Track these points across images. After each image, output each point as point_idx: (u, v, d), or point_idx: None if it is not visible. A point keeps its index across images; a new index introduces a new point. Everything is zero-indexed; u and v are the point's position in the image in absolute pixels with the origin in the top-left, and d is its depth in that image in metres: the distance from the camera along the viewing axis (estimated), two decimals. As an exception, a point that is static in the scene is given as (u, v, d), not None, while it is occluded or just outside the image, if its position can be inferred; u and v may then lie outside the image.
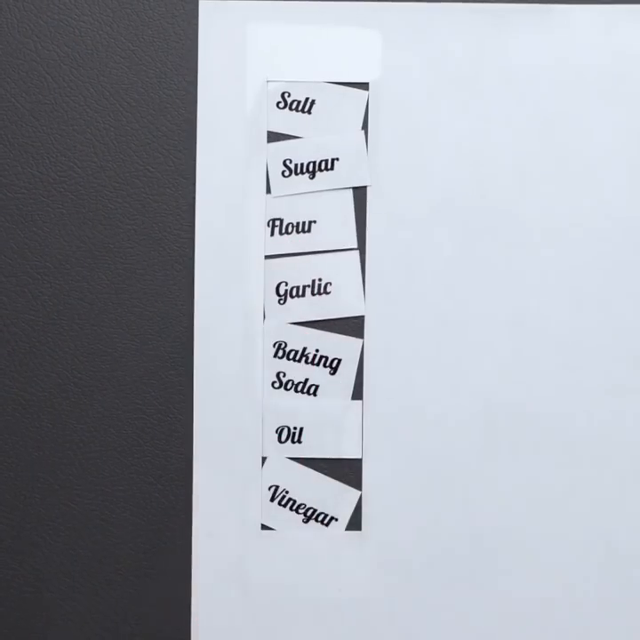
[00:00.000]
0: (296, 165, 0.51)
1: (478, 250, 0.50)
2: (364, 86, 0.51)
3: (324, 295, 0.51)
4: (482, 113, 0.50)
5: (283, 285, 0.51)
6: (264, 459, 0.51)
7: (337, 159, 0.51)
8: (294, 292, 0.51)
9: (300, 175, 0.51)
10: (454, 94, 0.50)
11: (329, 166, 0.51)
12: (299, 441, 0.51)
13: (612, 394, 0.50)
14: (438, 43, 0.50)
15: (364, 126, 0.51)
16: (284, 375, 0.51)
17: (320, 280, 0.51)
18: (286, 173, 0.51)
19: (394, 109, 0.50)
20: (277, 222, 0.51)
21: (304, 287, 0.51)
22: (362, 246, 0.51)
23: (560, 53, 0.50)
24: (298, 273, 0.51)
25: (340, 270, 0.51)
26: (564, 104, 0.50)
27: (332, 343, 0.51)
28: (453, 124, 0.50)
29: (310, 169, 0.51)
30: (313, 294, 0.51)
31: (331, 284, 0.51)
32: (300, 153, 0.51)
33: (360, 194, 0.51)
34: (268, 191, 0.51)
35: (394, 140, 0.50)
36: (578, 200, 0.50)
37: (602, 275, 0.50)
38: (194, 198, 0.50)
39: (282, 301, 0.51)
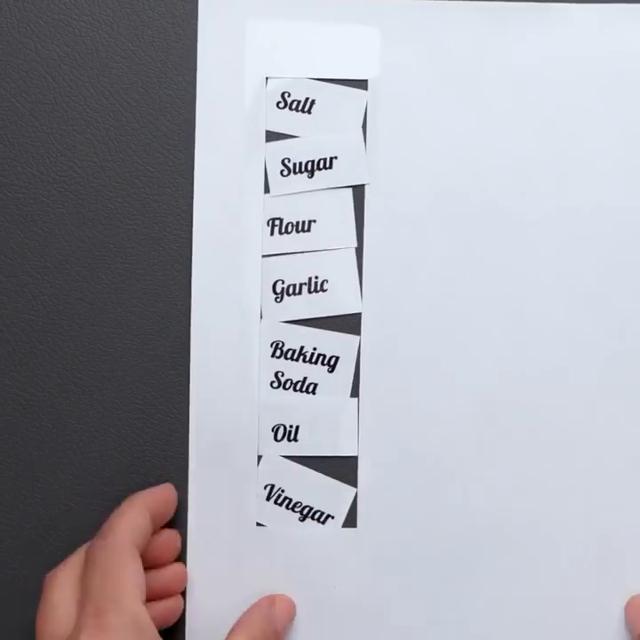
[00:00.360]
0: (294, 164, 0.51)
1: (477, 247, 0.50)
2: (363, 84, 0.50)
3: (320, 293, 0.51)
4: (481, 111, 0.50)
5: (279, 283, 0.51)
6: (260, 457, 0.51)
7: (335, 157, 0.51)
8: (291, 290, 0.51)
9: (298, 174, 0.51)
10: (453, 92, 0.50)
11: (327, 165, 0.51)
12: (295, 439, 0.51)
13: (609, 392, 0.50)
14: (438, 40, 0.50)
15: (364, 125, 0.51)
16: (283, 374, 0.51)
17: (317, 278, 0.51)
18: (285, 172, 0.51)
19: (393, 107, 0.50)
20: (277, 222, 0.51)
21: (301, 285, 0.51)
22: (359, 244, 0.51)
23: (559, 51, 0.50)
24: (294, 271, 0.51)
25: (337, 268, 0.51)
26: (563, 102, 0.50)
27: (329, 341, 0.51)
28: (452, 122, 0.50)
29: (309, 168, 0.51)
30: (309, 292, 0.51)
31: (327, 281, 0.51)
32: (299, 152, 0.51)
33: (358, 192, 0.51)
34: (267, 190, 0.51)
35: (392, 138, 0.50)
36: (577, 198, 0.50)
37: (601, 272, 0.50)
38: (193, 198, 0.50)
39: (278, 299, 0.51)
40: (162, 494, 0.49)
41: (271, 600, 0.50)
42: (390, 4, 0.50)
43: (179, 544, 0.50)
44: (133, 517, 0.46)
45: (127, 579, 0.44)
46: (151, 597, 0.49)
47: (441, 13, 0.50)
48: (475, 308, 0.50)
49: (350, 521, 0.51)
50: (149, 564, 0.49)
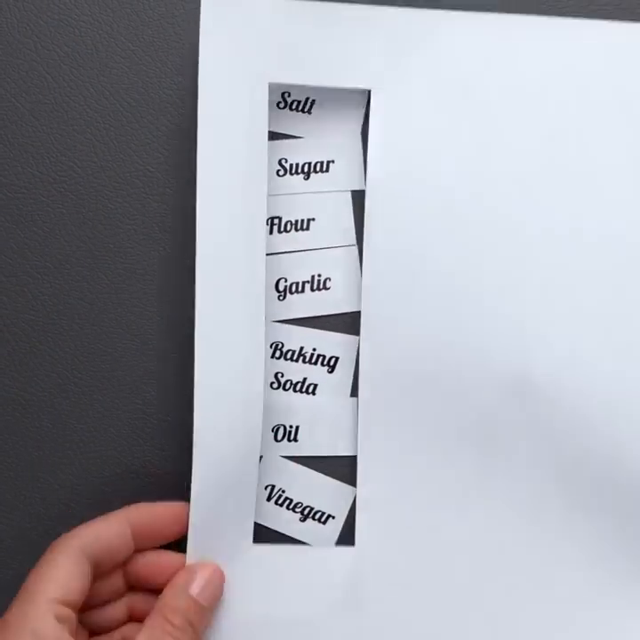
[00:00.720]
0: (291, 165, 0.51)
1: (479, 256, 0.49)
2: (365, 93, 0.50)
3: (323, 291, 0.51)
4: (485, 122, 0.49)
5: (282, 281, 0.51)
6: (260, 458, 0.51)
7: (333, 161, 0.51)
8: (294, 288, 0.51)
9: (294, 175, 0.51)
10: (457, 103, 0.49)
11: (324, 168, 0.51)
12: (295, 439, 0.51)
13: (613, 411, 0.49)
14: (443, 50, 0.49)
15: (364, 127, 0.51)
16: (282, 375, 0.51)
17: (320, 276, 0.51)
18: (281, 173, 0.51)
19: (395, 116, 0.49)
20: (276, 220, 0.51)
21: (303, 283, 0.51)
22: (360, 246, 0.50)
23: (566, 66, 0.49)
24: (297, 269, 0.51)
25: (339, 266, 0.51)
26: (569, 116, 0.49)
27: (328, 342, 0.51)
28: (455, 134, 0.49)
29: (305, 170, 0.51)
30: (312, 290, 0.51)
31: (330, 279, 0.51)
32: (296, 153, 0.51)
33: (357, 192, 0.51)
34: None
35: (395, 147, 0.49)
36: (582, 211, 0.49)
37: (603, 288, 0.49)
38: (194, 198, 0.50)
39: (281, 297, 0.51)
40: (160, 511, 0.48)
41: (191, 572, 0.47)
42: (396, 12, 0.49)
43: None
44: (100, 527, 0.46)
45: (52, 584, 0.43)
46: (139, 618, 0.48)
47: (447, 23, 0.49)
48: (476, 314, 0.49)
49: (350, 522, 0.51)
50: (149, 584, 0.48)
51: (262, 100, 0.49)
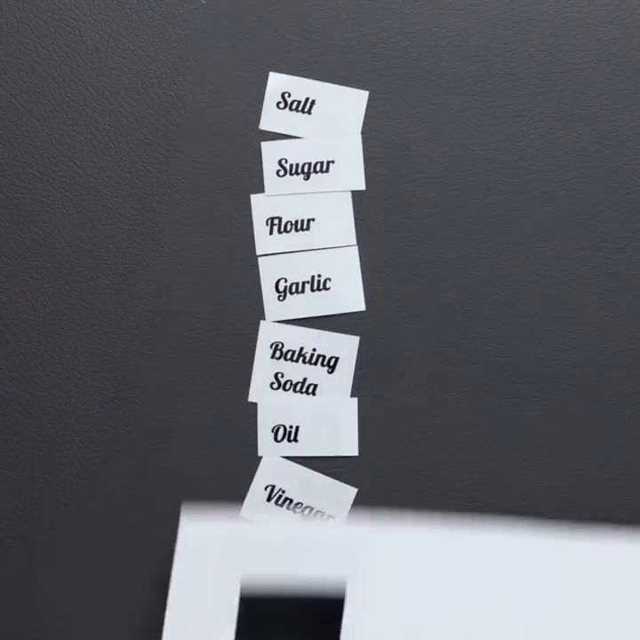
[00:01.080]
0: (291, 166, 0.51)
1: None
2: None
3: (323, 291, 0.51)
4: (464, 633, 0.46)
5: (282, 282, 0.51)
6: (260, 458, 0.51)
7: (333, 162, 0.51)
8: (294, 289, 0.51)
9: (294, 176, 0.51)
10: (436, 610, 0.46)
11: (324, 169, 0.51)
12: (295, 439, 0.51)
13: None
14: (421, 560, 0.47)
15: (364, 128, 0.51)
16: (283, 376, 0.51)
17: (319, 276, 0.51)
18: (281, 173, 0.51)
19: (371, 618, 0.46)
20: (276, 221, 0.51)
21: (303, 283, 0.51)
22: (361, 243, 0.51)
23: (552, 583, 0.46)
24: (297, 269, 0.51)
25: (339, 266, 0.51)
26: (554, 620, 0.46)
27: (329, 342, 0.51)
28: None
29: (305, 170, 0.51)
30: (312, 290, 0.51)
31: (330, 279, 0.51)
32: (296, 153, 0.51)
33: (357, 195, 0.51)
34: (262, 190, 0.51)
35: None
36: None
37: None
38: (193, 198, 0.50)
39: (281, 297, 0.51)
40: None
41: None
42: (377, 529, 0.47)
43: None
44: None
45: None
46: None
47: (429, 535, 0.47)
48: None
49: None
50: None
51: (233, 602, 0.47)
